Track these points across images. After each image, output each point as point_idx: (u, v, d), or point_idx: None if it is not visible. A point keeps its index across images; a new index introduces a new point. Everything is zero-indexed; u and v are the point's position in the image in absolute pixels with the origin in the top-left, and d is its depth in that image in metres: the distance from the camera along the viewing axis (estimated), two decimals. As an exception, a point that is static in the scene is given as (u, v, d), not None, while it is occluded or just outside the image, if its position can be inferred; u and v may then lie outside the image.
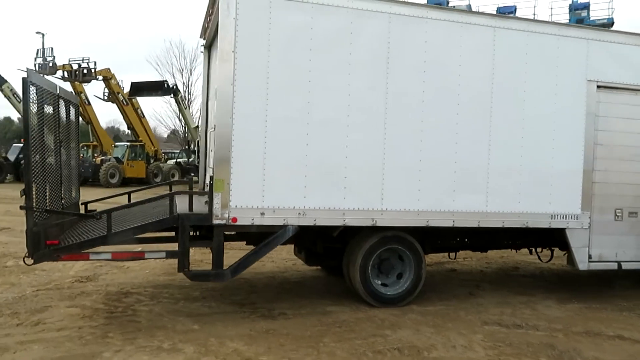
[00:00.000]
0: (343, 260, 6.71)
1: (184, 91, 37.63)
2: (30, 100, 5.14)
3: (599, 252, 7.19)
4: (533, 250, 8.19)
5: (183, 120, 35.45)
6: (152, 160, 31.56)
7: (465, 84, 6.45)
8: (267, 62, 5.76)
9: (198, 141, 8.51)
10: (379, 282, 6.55)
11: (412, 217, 6.32)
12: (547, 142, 6.82)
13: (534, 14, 24.28)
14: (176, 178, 32.10)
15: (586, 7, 26.11)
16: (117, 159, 28.71)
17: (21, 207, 5.12)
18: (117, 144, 32.24)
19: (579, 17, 25.08)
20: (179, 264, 5.63)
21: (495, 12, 24.72)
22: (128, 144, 30.09)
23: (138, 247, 6.69)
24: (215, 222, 5.65)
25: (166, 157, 37.84)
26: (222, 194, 5.65)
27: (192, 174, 34.18)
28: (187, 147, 35.39)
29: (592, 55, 6.93)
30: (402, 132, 6.25)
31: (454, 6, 19.46)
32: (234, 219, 5.70)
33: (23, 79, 5.10)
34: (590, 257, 7.13)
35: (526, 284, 8.13)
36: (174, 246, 5.74)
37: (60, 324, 5.76)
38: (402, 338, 5.42)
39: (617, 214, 7.29)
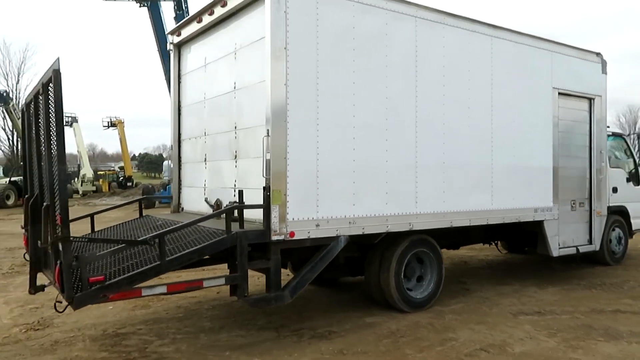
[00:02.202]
0: (367, 269, 6.49)
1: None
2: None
3: (563, 239, 8.12)
4: (495, 243, 8.92)
5: (15, 132, 30.48)
6: (-23, 181, 26.57)
7: (473, 88, 6.77)
8: (316, 62, 5.34)
9: (169, 154, 7.44)
10: (405, 287, 6.49)
11: (439, 219, 6.41)
12: (529, 142, 7.50)
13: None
14: (12, 200, 27.63)
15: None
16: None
17: (57, 238, 3.94)
18: None
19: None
20: (237, 289, 4.87)
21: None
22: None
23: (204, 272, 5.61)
24: (274, 238, 5.03)
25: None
26: (279, 206, 5.05)
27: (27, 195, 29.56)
28: (22, 163, 30.39)
29: (555, 66, 7.84)
30: (430, 135, 6.32)
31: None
32: (292, 234, 5.15)
33: (54, 71, 3.95)
34: (559, 244, 8.01)
35: (493, 275, 8.78)
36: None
37: (78, 384, 4.57)
38: (472, 339, 5.44)
39: (572, 205, 8.32)
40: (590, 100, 8.56)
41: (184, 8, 26.01)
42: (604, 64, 8.68)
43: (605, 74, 8.74)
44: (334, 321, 6.07)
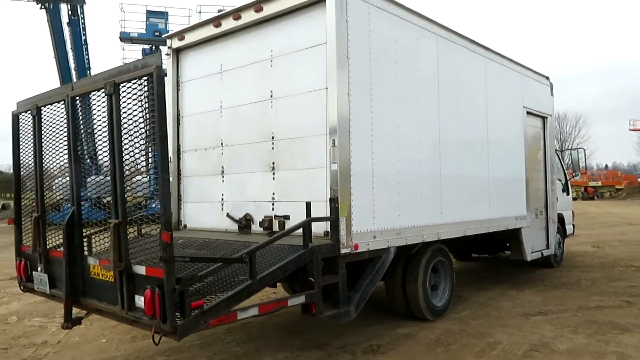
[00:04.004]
0: (389, 280, 6.48)
1: None
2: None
3: (532, 245, 8.85)
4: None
5: None
6: None
7: (475, 105, 7.20)
8: (370, 72, 5.32)
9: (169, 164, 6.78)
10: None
11: (457, 229, 6.66)
12: (511, 155, 8.13)
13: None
14: None
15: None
16: None
17: (161, 259, 3.43)
18: None
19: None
20: (313, 307, 4.59)
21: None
22: None
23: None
24: (343, 251, 4.86)
25: None
26: (346, 218, 4.90)
27: None
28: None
29: (524, 87, 8.61)
30: (449, 148, 6.57)
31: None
32: (356, 246, 5.02)
33: (157, 67, 3.47)
34: (531, 249, 8.72)
35: (470, 282, 9.21)
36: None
37: None
38: (514, 341, 5.69)
39: (536, 214, 9.13)
40: (544, 118, 9.52)
41: (79, 14, 24.07)
42: (551, 86, 9.73)
43: (552, 95, 9.80)
44: (370, 335, 5.96)
